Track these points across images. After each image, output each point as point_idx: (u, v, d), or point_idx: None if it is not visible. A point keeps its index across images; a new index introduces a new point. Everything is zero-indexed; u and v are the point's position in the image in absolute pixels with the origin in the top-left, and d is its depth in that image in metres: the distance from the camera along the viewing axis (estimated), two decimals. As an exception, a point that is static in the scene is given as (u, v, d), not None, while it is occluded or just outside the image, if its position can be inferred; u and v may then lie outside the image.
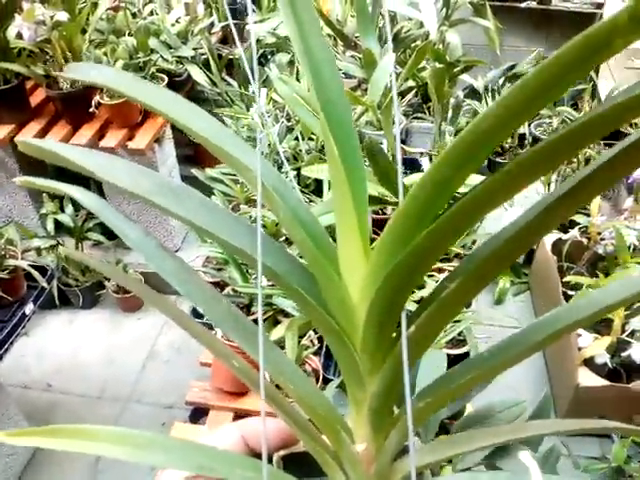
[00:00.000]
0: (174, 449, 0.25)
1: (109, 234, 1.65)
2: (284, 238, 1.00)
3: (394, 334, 0.26)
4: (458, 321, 0.94)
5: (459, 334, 0.94)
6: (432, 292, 0.27)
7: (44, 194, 1.55)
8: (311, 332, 0.99)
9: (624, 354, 1.16)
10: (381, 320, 0.24)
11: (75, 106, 1.48)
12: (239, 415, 1.06)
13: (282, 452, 0.30)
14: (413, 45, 1.46)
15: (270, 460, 0.29)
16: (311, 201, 1.17)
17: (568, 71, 0.15)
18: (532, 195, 1.39)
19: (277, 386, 0.27)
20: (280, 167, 1.33)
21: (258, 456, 0.25)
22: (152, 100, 0.25)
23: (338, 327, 0.25)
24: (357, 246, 0.26)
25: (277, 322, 0.99)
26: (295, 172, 1.24)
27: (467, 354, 0.98)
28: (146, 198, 0.24)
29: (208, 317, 0.27)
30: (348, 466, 0.27)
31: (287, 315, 0.95)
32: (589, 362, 1.21)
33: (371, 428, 0.27)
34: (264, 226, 1.08)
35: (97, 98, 1.45)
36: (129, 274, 1.56)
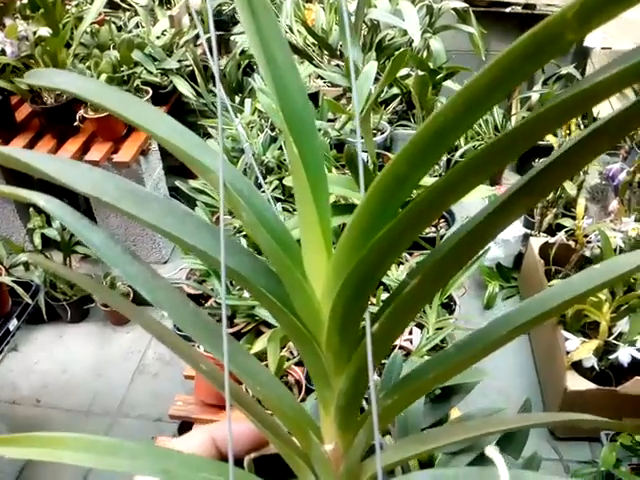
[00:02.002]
0: (140, 455, 0.25)
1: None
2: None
3: (359, 333, 0.26)
4: (440, 328, 0.93)
5: (442, 341, 0.93)
6: (394, 289, 0.27)
7: (31, 209, 1.55)
8: (291, 343, 0.98)
9: (611, 357, 1.15)
10: (344, 319, 0.24)
11: (60, 120, 1.48)
12: (225, 427, 1.06)
13: (253, 455, 0.30)
14: (397, 53, 1.46)
15: (241, 463, 0.29)
16: (295, 210, 1.17)
17: (520, 65, 0.16)
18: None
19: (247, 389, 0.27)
20: (265, 177, 1.33)
21: (228, 460, 0.25)
22: (117, 106, 0.25)
23: (303, 327, 0.25)
24: (320, 246, 0.26)
25: (260, 333, 0.98)
26: (278, 182, 1.24)
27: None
28: (111, 204, 0.24)
29: (174, 320, 0.27)
30: (317, 466, 0.28)
31: (270, 326, 0.95)
32: (577, 366, 1.20)
33: (339, 427, 0.27)
34: (246, 236, 1.08)
35: (82, 112, 1.45)
36: (117, 288, 1.56)
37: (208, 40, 1.76)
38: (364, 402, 0.32)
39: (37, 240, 1.53)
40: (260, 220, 0.26)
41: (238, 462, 0.25)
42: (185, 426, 1.20)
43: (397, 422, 0.49)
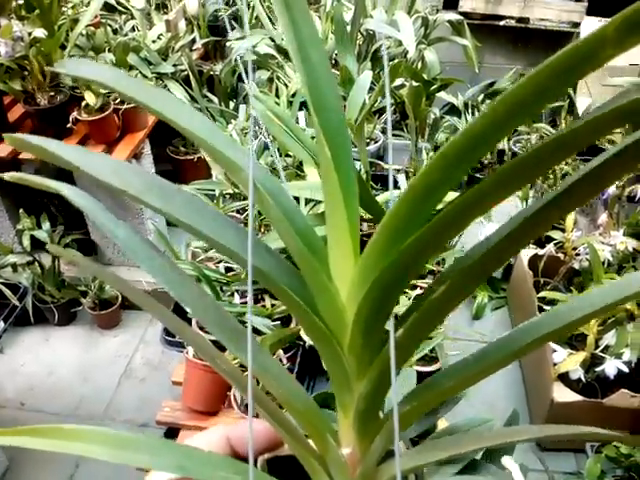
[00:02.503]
0: (157, 450, 0.25)
1: (86, 250, 1.64)
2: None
3: (382, 337, 0.26)
4: (430, 338, 0.94)
5: (431, 351, 0.94)
6: (420, 296, 0.27)
7: (20, 210, 1.54)
8: (280, 351, 0.98)
9: (598, 369, 1.16)
10: (369, 323, 0.25)
11: (53, 122, 1.47)
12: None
13: (267, 455, 0.30)
14: (392, 63, 1.47)
15: (255, 463, 0.29)
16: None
17: (556, 81, 0.16)
18: (510, 211, 1.40)
19: (265, 390, 0.27)
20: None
21: (243, 459, 0.25)
22: (147, 99, 0.25)
23: (327, 329, 0.25)
24: (347, 249, 0.26)
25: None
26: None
27: (439, 371, 0.98)
28: (137, 198, 0.23)
29: (194, 315, 0.27)
30: (333, 469, 0.27)
31: (260, 333, 0.95)
32: (564, 377, 1.21)
33: (357, 432, 0.27)
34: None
35: (75, 114, 1.44)
36: (105, 290, 1.55)
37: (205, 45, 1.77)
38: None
39: (26, 242, 1.52)
40: (287, 219, 0.26)
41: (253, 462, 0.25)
42: (171, 432, 1.19)
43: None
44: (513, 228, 0.20)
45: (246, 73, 1.49)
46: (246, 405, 0.98)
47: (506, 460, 0.34)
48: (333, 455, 0.27)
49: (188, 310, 0.26)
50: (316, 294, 0.26)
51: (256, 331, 0.99)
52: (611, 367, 1.15)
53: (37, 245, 1.55)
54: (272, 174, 1.07)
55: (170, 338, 1.18)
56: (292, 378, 0.28)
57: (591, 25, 2.06)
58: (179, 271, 0.27)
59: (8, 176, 0.26)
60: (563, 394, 1.21)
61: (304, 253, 0.25)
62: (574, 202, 0.19)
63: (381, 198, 1.08)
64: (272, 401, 0.26)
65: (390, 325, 0.24)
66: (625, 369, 1.14)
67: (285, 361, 0.99)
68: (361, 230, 1.30)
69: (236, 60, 1.62)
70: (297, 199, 1.21)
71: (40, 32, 1.34)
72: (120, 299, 1.53)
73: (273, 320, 0.98)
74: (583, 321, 0.24)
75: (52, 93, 1.45)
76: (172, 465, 0.25)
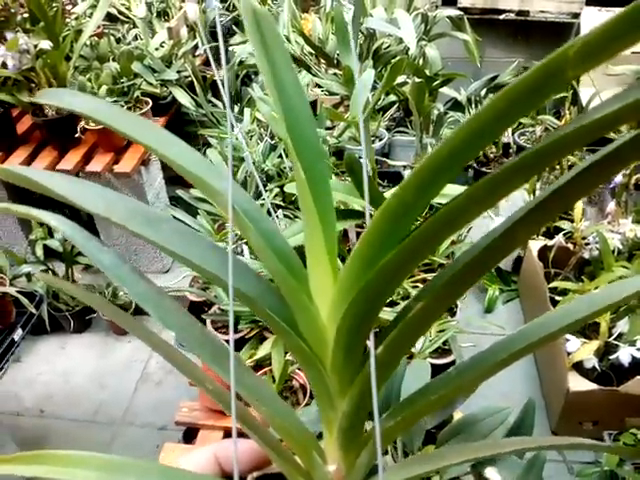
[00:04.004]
0: (146, 473, 0.26)
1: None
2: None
3: (362, 355, 0.26)
4: (442, 331, 0.94)
5: (444, 343, 0.94)
6: (399, 312, 0.27)
7: (32, 220, 1.56)
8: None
9: (612, 357, 1.16)
10: (349, 341, 0.25)
11: (61, 132, 1.49)
12: (228, 433, 1.06)
13: (255, 474, 0.30)
14: (393, 61, 1.48)
15: None
16: (296, 217, 1.18)
17: (525, 98, 0.16)
18: (518, 203, 1.40)
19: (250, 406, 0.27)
20: (265, 184, 1.34)
21: (232, 478, 0.25)
22: (124, 127, 0.26)
23: (308, 349, 0.26)
24: (326, 268, 0.26)
25: (264, 339, 0.99)
26: (279, 189, 1.25)
27: (453, 363, 0.98)
28: (121, 225, 0.24)
29: (180, 340, 0.28)
30: None
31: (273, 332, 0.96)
32: (578, 367, 1.21)
33: (342, 448, 0.28)
34: (247, 243, 1.09)
35: (82, 124, 1.46)
36: (119, 297, 1.57)
37: (212, 51, 1.78)
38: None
39: (39, 251, 1.54)
40: (267, 242, 0.27)
41: None
42: (190, 433, 1.20)
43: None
44: (488, 243, 0.20)
45: (249, 77, 1.50)
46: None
47: (490, 472, 0.34)
48: (319, 472, 0.27)
49: (172, 333, 0.27)
50: (297, 314, 0.26)
51: (270, 330, 1.00)
52: (625, 355, 1.15)
53: (50, 254, 1.57)
54: (280, 175, 1.07)
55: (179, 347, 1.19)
56: (276, 396, 0.28)
57: (591, 15, 2.06)
58: (163, 295, 0.28)
59: None
60: (578, 383, 1.20)
61: (284, 274, 0.25)
62: (571, 198, 0.19)
63: (388, 194, 1.08)
64: (256, 417, 0.27)
65: (371, 343, 0.24)
66: (639, 356, 1.14)
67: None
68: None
69: (240, 64, 1.63)
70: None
71: (46, 44, 1.36)
72: (134, 305, 1.55)
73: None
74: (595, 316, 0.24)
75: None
76: None
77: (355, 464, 0.28)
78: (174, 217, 1.24)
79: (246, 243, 1.16)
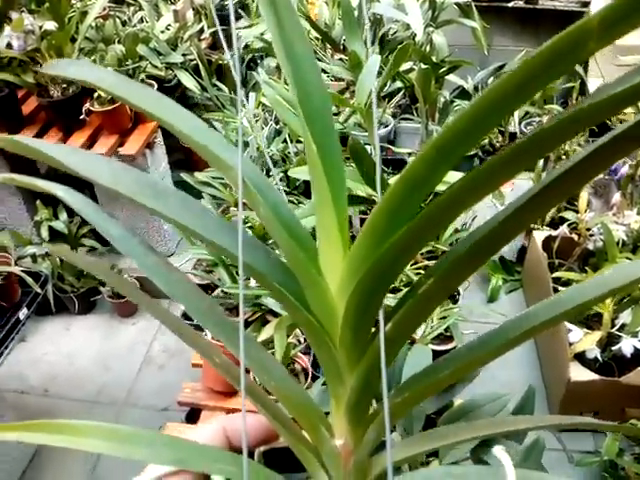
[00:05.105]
0: (155, 443, 0.26)
1: (103, 240, 1.66)
2: (272, 241, 1.02)
3: (372, 330, 0.26)
4: (444, 317, 0.95)
5: (446, 330, 0.94)
6: (410, 289, 0.27)
7: (38, 201, 1.56)
8: (298, 330, 1.00)
9: (614, 348, 1.16)
10: (359, 316, 0.25)
11: (66, 113, 1.49)
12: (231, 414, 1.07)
13: (263, 447, 0.30)
14: (399, 47, 1.47)
15: (252, 455, 0.30)
16: (300, 202, 1.18)
17: (547, 68, 0.16)
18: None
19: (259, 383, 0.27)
20: (268, 170, 1.34)
21: (240, 451, 0.25)
22: (138, 99, 0.26)
23: (318, 324, 0.26)
24: (336, 243, 0.26)
25: (266, 322, 1.00)
26: (283, 174, 1.25)
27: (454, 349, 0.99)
28: (129, 197, 0.24)
29: (189, 312, 0.27)
30: (327, 460, 0.28)
31: (276, 315, 0.96)
32: (580, 357, 1.21)
33: (350, 423, 0.28)
34: (252, 227, 1.09)
35: (87, 105, 1.46)
36: (125, 279, 1.58)
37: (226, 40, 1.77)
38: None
39: (44, 232, 1.55)
40: (276, 216, 0.27)
41: (249, 454, 0.25)
42: (192, 415, 1.22)
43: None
44: (495, 223, 0.20)
45: (255, 61, 1.49)
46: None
47: (497, 450, 0.35)
48: (326, 446, 0.28)
49: (182, 307, 0.27)
50: (306, 289, 0.26)
51: (273, 313, 1.01)
52: (627, 346, 1.15)
53: (55, 236, 1.58)
54: (285, 160, 1.07)
55: (188, 322, 1.20)
56: (285, 371, 0.28)
57: (601, 4, 2.04)
58: (173, 269, 0.28)
59: (1, 178, 0.27)
60: (580, 373, 1.21)
61: (293, 248, 0.25)
62: (571, 185, 0.19)
63: (392, 181, 1.08)
64: (266, 394, 0.27)
65: (380, 319, 0.24)
66: (641, 347, 1.14)
67: (302, 340, 1.00)
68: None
69: (245, 47, 1.62)
70: (309, 184, 1.22)
71: (51, 25, 1.35)
72: (138, 287, 1.56)
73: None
74: (597, 301, 0.24)
75: (65, 85, 1.47)
76: (169, 458, 0.25)
77: (363, 439, 0.28)
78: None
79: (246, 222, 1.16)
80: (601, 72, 2.00)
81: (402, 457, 0.28)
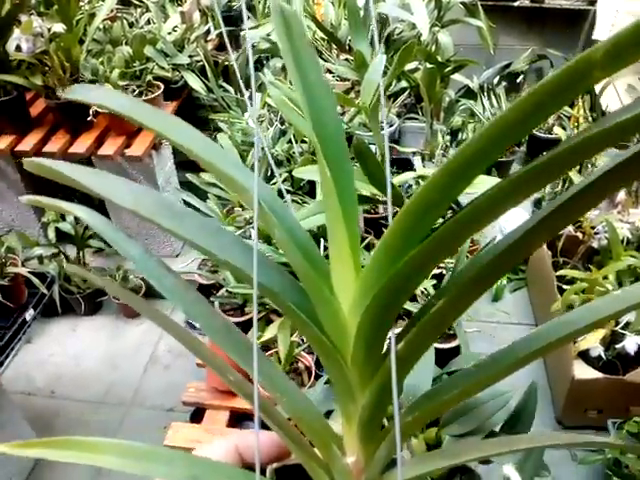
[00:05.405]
0: (170, 460, 0.26)
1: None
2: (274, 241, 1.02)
3: (384, 349, 0.26)
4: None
5: (449, 328, 0.95)
6: (421, 309, 0.27)
7: (45, 203, 1.58)
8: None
9: (618, 346, 1.16)
10: (371, 336, 0.25)
11: (74, 115, 1.50)
12: (235, 413, 1.08)
13: (275, 465, 0.31)
14: (404, 46, 1.47)
15: (264, 472, 0.30)
16: (304, 202, 1.19)
17: (554, 96, 0.16)
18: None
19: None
20: (272, 172, 1.35)
21: (252, 468, 0.25)
22: (155, 124, 0.26)
23: (330, 343, 0.26)
24: (348, 263, 0.27)
25: (270, 321, 1.00)
26: (287, 174, 1.26)
27: (457, 348, 0.99)
28: (148, 218, 0.24)
29: (205, 331, 0.28)
30: (339, 478, 0.28)
31: (280, 315, 0.97)
32: (584, 355, 1.22)
33: (361, 441, 0.28)
34: (258, 229, 1.10)
35: (95, 107, 1.47)
36: (129, 280, 1.59)
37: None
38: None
39: (51, 234, 1.56)
40: (291, 237, 0.27)
41: (261, 471, 0.26)
42: (197, 415, 1.22)
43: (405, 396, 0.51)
44: (506, 247, 0.20)
45: (260, 62, 1.50)
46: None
47: (507, 468, 0.34)
48: (338, 464, 0.28)
49: (197, 325, 0.28)
50: (319, 308, 0.26)
51: (277, 313, 1.01)
52: (631, 344, 1.15)
53: (62, 237, 1.59)
54: (289, 160, 1.08)
55: (189, 330, 1.21)
56: (297, 389, 0.29)
57: (607, 3, 2.03)
58: (189, 288, 0.28)
59: (25, 200, 0.27)
60: (584, 371, 1.21)
61: (306, 268, 0.25)
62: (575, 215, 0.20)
63: (397, 180, 1.09)
64: (277, 409, 0.27)
65: (392, 338, 0.25)
66: (646, 345, 1.14)
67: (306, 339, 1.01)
68: (378, 213, 1.31)
69: (253, 47, 1.63)
70: (313, 184, 1.22)
71: (59, 27, 1.37)
72: (144, 288, 1.57)
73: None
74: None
75: (72, 87, 1.48)
76: (184, 475, 0.26)
77: (374, 456, 0.29)
78: (185, 202, 1.25)
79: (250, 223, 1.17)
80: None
81: (413, 475, 0.28)
